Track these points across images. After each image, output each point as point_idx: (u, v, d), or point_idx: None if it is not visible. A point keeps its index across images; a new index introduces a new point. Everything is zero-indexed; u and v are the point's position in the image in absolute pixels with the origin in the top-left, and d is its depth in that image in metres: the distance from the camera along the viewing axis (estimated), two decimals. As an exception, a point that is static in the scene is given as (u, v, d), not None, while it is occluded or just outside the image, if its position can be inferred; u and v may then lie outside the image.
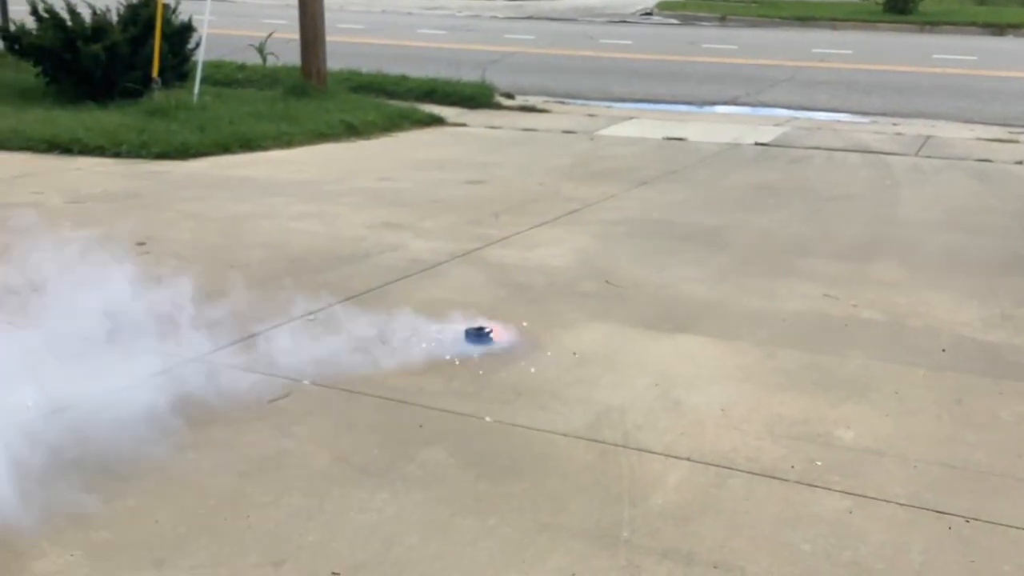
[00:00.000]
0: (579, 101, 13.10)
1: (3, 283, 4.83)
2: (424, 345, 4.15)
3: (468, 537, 2.75)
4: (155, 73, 10.19)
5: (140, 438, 3.25)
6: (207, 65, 11.04)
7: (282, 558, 2.61)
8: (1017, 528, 2.87)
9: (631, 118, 11.56)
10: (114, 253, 5.39)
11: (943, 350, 4.32)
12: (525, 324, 4.45)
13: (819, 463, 3.24)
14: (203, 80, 10.51)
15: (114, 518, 2.78)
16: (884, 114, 12.28)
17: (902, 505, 2.99)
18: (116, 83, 10.35)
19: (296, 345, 4.08)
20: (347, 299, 4.73)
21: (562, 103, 12.82)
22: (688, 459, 3.24)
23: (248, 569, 2.56)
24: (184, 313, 4.44)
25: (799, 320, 4.67)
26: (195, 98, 10.13)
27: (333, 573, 2.55)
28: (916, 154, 9.50)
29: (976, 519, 2.92)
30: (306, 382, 3.74)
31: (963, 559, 2.72)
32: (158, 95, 9.98)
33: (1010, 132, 10.86)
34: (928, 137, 10.44)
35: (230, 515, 2.81)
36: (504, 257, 5.58)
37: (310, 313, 4.50)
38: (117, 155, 8.45)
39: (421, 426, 3.43)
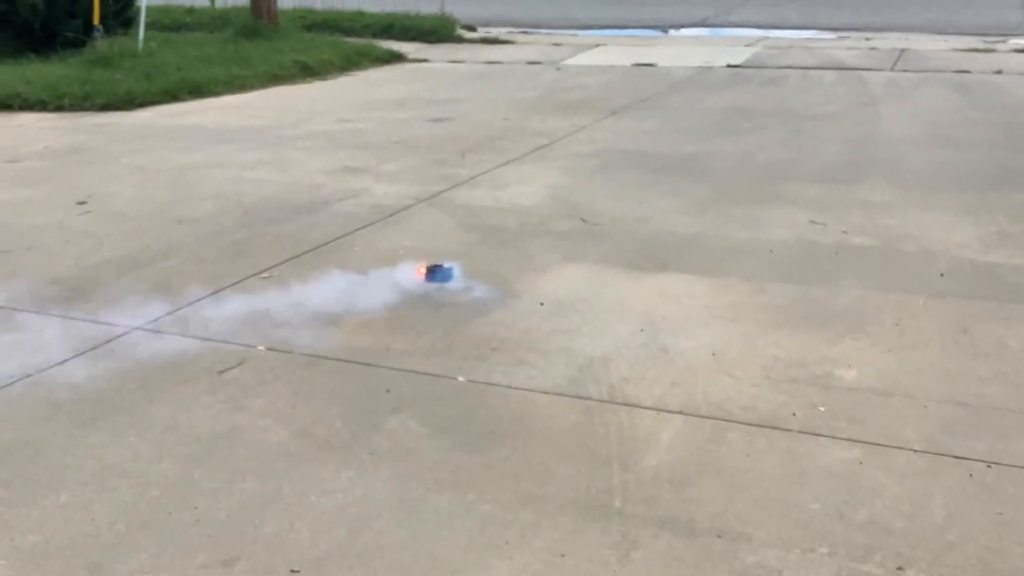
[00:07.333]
0: (543, 30, 12.68)
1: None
2: (389, 300, 3.84)
3: (443, 517, 2.46)
4: (96, 21, 9.69)
5: (73, 421, 2.93)
6: (153, 10, 10.56)
7: (234, 555, 2.31)
8: (1043, 471, 2.61)
9: (598, 46, 11.17)
10: (54, 215, 5.06)
11: (941, 275, 4.06)
12: (497, 270, 4.15)
13: (822, 408, 2.98)
14: (149, 26, 10.04)
15: (44, 518, 2.47)
16: (856, 29, 11.95)
17: (916, 452, 2.73)
18: (57, 34, 9.90)
19: (250, 307, 3.76)
20: (305, 252, 4.40)
21: (526, 33, 12.40)
22: (680, 412, 2.96)
23: (195, 571, 2.26)
24: (125, 277, 4.11)
25: (787, 250, 4.39)
26: (140, 45, 9.67)
27: (292, 572, 2.25)
28: (892, 69, 9.20)
29: (998, 463, 2.66)
30: (261, 348, 3.42)
31: (989, 510, 2.46)
32: (101, 44, 9.51)
33: (985, 41, 10.57)
34: (903, 51, 10.12)
35: (175, 507, 2.50)
36: (472, 198, 5.25)
37: (265, 271, 4.17)
38: (60, 108, 8.05)
39: (388, 391, 3.12)
